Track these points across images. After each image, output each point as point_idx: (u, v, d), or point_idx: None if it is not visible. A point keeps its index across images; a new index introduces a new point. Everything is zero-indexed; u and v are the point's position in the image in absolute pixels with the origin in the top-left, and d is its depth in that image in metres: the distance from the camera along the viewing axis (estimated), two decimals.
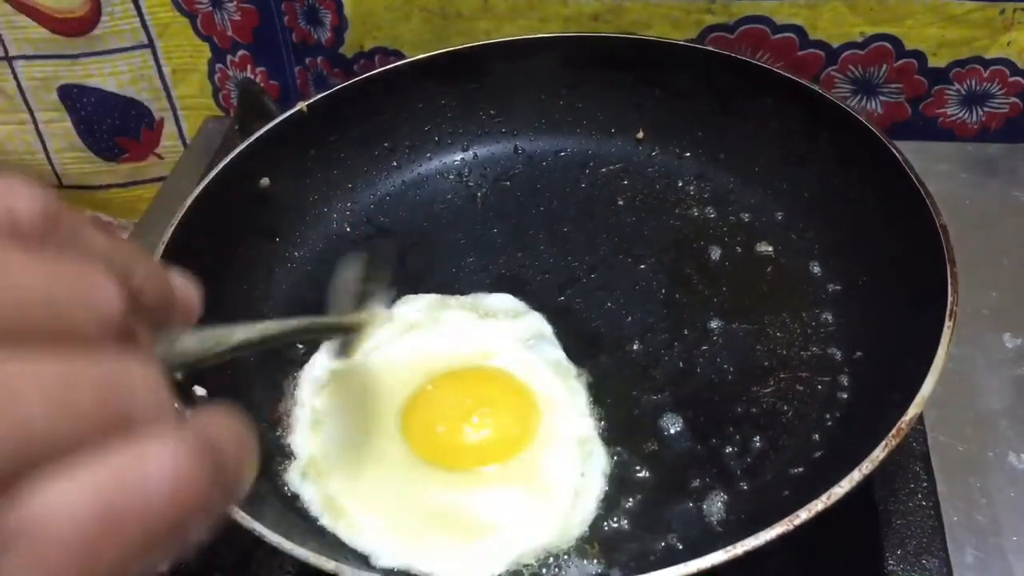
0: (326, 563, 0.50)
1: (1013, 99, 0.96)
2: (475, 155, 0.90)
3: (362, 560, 0.58)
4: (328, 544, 0.59)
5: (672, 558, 0.57)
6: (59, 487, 0.22)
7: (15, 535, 0.21)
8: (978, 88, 0.95)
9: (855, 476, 0.50)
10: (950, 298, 0.59)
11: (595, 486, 0.62)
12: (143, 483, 0.23)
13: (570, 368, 0.70)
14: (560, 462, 0.63)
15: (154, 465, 0.23)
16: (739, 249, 0.79)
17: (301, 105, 0.82)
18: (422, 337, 0.72)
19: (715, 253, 0.79)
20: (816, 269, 0.76)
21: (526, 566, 0.58)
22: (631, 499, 0.62)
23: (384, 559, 0.58)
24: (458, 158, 0.90)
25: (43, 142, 1.17)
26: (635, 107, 0.89)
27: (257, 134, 0.80)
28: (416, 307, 0.75)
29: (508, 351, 0.70)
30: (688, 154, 0.87)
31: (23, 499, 0.22)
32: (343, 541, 0.60)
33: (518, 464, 0.63)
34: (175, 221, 0.71)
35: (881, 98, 0.98)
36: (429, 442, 0.63)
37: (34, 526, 0.22)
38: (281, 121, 0.81)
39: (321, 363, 0.71)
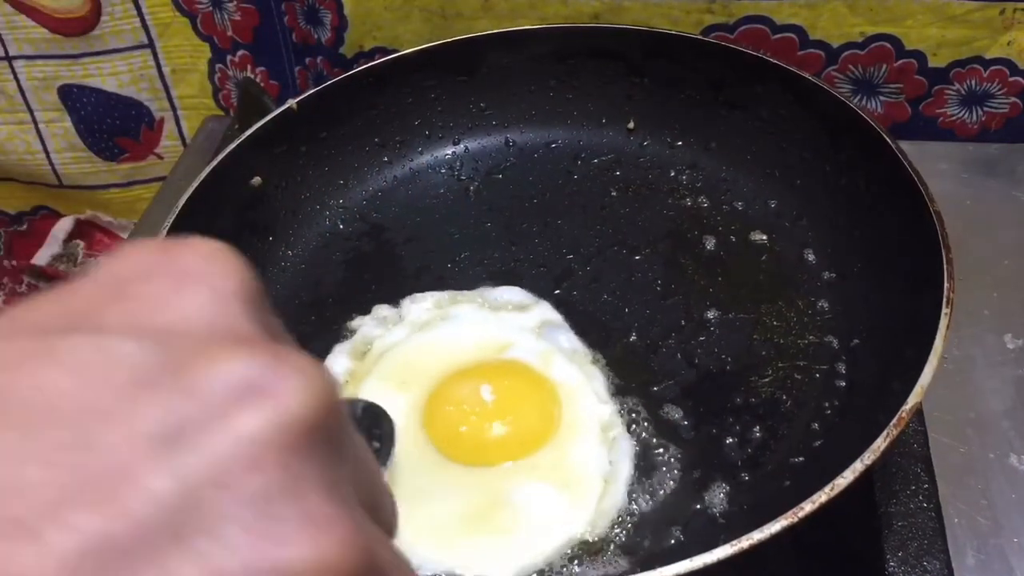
0: None
1: (1013, 99, 0.96)
2: (466, 148, 0.90)
3: None
4: None
5: (675, 550, 0.58)
6: None
7: None
8: (978, 88, 0.95)
9: (857, 467, 0.50)
10: (946, 285, 0.60)
11: (623, 472, 0.62)
12: None
13: (586, 354, 0.70)
14: (585, 450, 0.63)
15: None
16: (733, 238, 0.79)
17: (291, 103, 0.82)
18: (435, 334, 0.72)
19: (709, 243, 0.79)
20: (811, 257, 0.76)
21: (565, 557, 0.58)
22: (633, 492, 0.62)
23: (416, 563, 0.58)
24: (449, 152, 0.90)
25: (43, 142, 1.16)
26: (626, 97, 0.89)
27: (247, 133, 0.79)
28: (425, 305, 0.75)
29: (522, 342, 0.70)
30: (680, 143, 0.87)
31: None
32: None
33: (543, 456, 0.63)
34: (168, 223, 0.70)
35: (881, 98, 0.98)
36: (453, 440, 0.63)
37: None
38: (271, 119, 0.81)
39: (338, 364, 0.71)
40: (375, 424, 0.59)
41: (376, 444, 0.57)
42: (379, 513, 0.24)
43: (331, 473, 0.21)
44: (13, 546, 0.17)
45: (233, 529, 0.19)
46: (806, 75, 0.79)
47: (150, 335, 0.21)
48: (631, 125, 0.89)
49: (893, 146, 0.70)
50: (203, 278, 0.23)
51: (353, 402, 0.61)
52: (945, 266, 0.61)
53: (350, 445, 0.23)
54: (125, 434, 0.19)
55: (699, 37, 0.89)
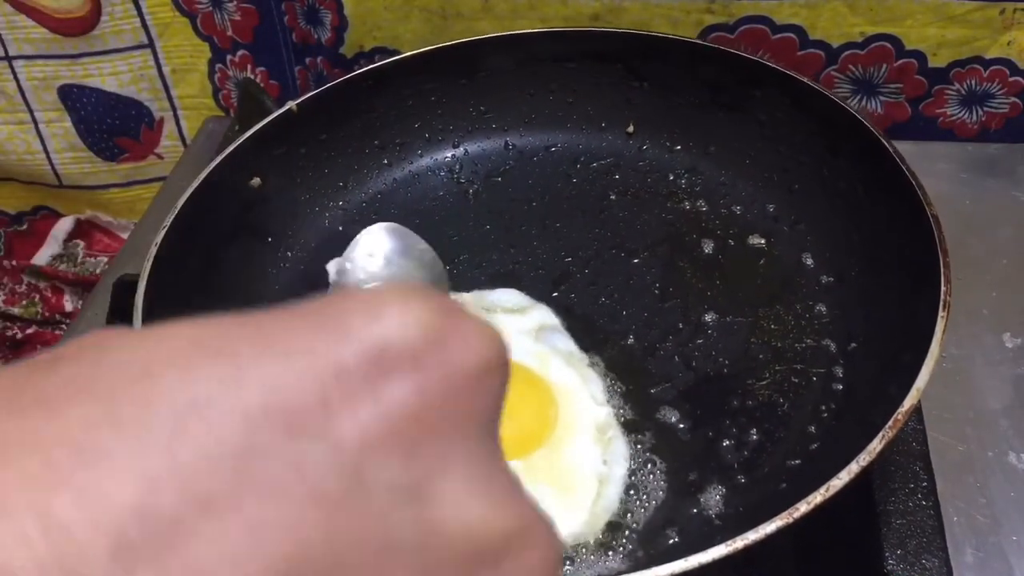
0: None
1: (1013, 99, 0.96)
2: (466, 151, 0.90)
3: None
4: None
5: (671, 552, 0.58)
6: None
7: None
8: (978, 88, 0.95)
9: (853, 468, 0.50)
10: (943, 288, 0.60)
11: (619, 474, 0.63)
12: None
13: (583, 357, 0.70)
14: (581, 452, 0.64)
15: None
16: (732, 242, 0.79)
17: (291, 104, 0.82)
18: None
19: (708, 246, 0.79)
20: (809, 261, 0.76)
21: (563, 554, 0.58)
22: (628, 493, 0.62)
23: None
24: (449, 155, 0.90)
25: (43, 142, 1.16)
26: (625, 101, 0.89)
27: (247, 134, 0.79)
28: None
29: (519, 344, 0.70)
30: (679, 147, 0.88)
31: None
32: None
33: (539, 457, 0.63)
34: (167, 223, 0.71)
35: (881, 98, 0.98)
36: None
37: None
38: (271, 121, 0.81)
39: None
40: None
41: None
42: None
43: None
44: None
45: None
46: (804, 79, 0.79)
47: (399, 452, 0.18)
48: (630, 129, 0.89)
49: (891, 150, 0.70)
50: (475, 394, 0.20)
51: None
52: (942, 269, 0.61)
53: None
54: None
55: (698, 41, 0.89)
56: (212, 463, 0.17)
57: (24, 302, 1.19)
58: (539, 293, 0.76)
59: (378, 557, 0.17)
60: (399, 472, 0.18)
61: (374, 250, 0.59)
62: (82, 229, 1.25)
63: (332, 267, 0.58)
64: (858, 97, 0.98)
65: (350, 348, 0.19)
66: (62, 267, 1.22)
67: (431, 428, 0.19)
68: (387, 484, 0.18)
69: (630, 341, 0.72)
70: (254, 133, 0.79)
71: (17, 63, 1.09)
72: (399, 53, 0.98)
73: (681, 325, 0.73)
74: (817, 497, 0.50)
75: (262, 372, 0.18)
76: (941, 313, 0.58)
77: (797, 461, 0.62)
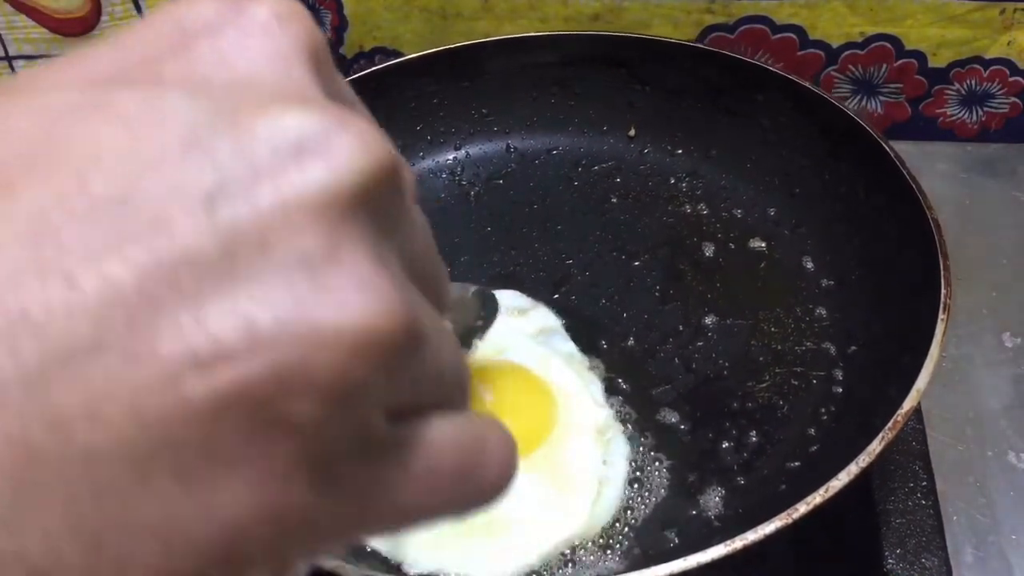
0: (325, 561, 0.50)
1: (1013, 99, 0.96)
2: (468, 154, 0.90)
3: (388, 566, 0.58)
4: None
5: (670, 553, 0.57)
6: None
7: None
8: (978, 88, 0.95)
9: (852, 469, 0.51)
10: (943, 291, 0.60)
11: (619, 475, 0.63)
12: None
13: (583, 358, 0.71)
14: (581, 453, 0.64)
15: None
16: (732, 245, 0.79)
17: None
18: None
19: (708, 249, 0.79)
20: (809, 264, 0.76)
21: (560, 559, 0.59)
22: (628, 494, 0.62)
23: (409, 562, 0.58)
24: (451, 157, 0.90)
25: None
26: (627, 105, 0.89)
27: None
28: None
29: (520, 345, 0.70)
30: (680, 151, 0.88)
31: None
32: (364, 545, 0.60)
33: (539, 457, 0.63)
34: None
35: (881, 98, 0.98)
36: None
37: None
38: None
39: None
40: (483, 306, 0.64)
41: (480, 322, 0.63)
42: (429, 286, 0.24)
43: (380, 240, 0.21)
44: (40, 286, 0.17)
45: (271, 288, 0.18)
46: (806, 84, 0.79)
47: (208, 92, 0.20)
48: (632, 132, 0.89)
49: (892, 154, 0.70)
50: (273, 36, 0.22)
51: (464, 286, 0.65)
52: (943, 273, 0.61)
53: (404, 215, 0.23)
54: (168, 190, 0.18)
55: (701, 45, 0.90)
56: (42, 118, 0.19)
57: None
58: (540, 295, 0.76)
59: (186, 155, 0.19)
60: (203, 103, 0.20)
61: None
62: None
63: None
64: (858, 97, 0.98)
65: (153, 35, 0.22)
66: None
67: (234, 72, 0.22)
68: (192, 109, 0.20)
69: (631, 343, 0.72)
70: None
71: (17, 63, 1.09)
72: (399, 53, 0.99)
73: (681, 327, 0.73)
74: (816, 498, 0.50)
75: (84, 59, 0.21)
76: (941, 316, 0.58)
77: (797, 463, 0.62)
